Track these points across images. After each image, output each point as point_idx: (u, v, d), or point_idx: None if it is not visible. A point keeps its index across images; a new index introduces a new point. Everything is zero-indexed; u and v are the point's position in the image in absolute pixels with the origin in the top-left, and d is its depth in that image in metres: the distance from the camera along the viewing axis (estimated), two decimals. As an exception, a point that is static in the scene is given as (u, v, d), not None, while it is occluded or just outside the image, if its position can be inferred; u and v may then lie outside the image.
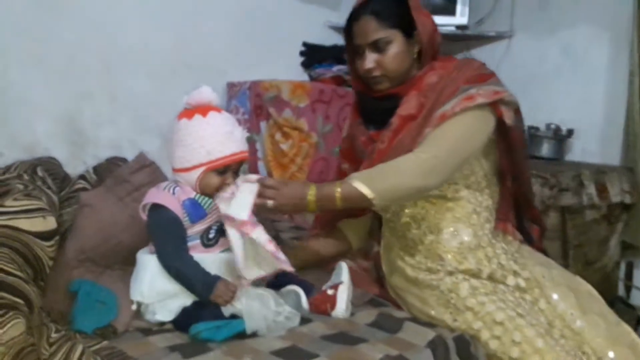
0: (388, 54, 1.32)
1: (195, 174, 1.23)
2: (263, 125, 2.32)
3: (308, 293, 1.29)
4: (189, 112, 1.26)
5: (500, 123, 1.33)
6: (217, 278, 1.20)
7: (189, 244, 1.24)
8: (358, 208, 1.44)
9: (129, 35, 2.21)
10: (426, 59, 1.36)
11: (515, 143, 1.37)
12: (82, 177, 1.48)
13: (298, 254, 1.48)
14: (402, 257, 1.42)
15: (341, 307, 1.28)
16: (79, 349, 0.96)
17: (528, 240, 1.49)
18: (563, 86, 2.53)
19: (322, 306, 1.30)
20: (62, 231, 1.31)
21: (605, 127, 2.40)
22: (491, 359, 1.24)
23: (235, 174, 1.27)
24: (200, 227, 1.25)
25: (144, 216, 1.24)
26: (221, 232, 1.28)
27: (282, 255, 1.18)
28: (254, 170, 2.37)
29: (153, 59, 2.29)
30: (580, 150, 2.48)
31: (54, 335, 0.97)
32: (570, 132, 2.43)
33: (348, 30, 1.37)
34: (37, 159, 1.45)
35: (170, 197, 1.23)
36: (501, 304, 1.26)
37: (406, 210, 1.39)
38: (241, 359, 1.10)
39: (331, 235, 1.57)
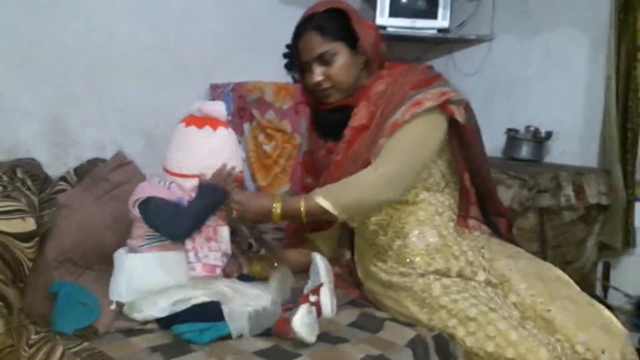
0: (334, 66, 1.35)
1: (191, 182, 1.24)
2: (246, 126, 2.32)
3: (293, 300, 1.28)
4: (198, 120, 1.26)
5: (452, 122, 1.36)
6: (202, 187, 1.21)
7: (168, 241, 1.24)
8: (324, 221, 1.48)
9: (116, 38, 2.21)
10: (372, 68, 1.40)
11: (470, 139, 1.41)
12: (62, 178, 1.46)
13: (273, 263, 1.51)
14: (374, 263, 1.44)
15: (327, 310, 1.27)
16: (59, 351, 0.96)
17: (496, 232, 1.53)
18: (544, 89, 2.57)
19: None
20: (42, 232, 1.30)
21: (584, 130, 2.44)
22: (469, 355, 1.26)
23: None
24: None
25: (135, 212, 1.23)
26: None
27: None
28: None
29: (139, 61, 2.29)
30: (560, 153, 2.52)
31: (33, 336, 0.97)
32: (549, 135, 2.46)
33: (295, 47, 1.41)
34: (17, 160, 1.43)
35: (166, 191, 1.23)
36: (473, 300, 1.28)
37: (372, 219, 1.42)
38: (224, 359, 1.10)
39: (302, 246, 1.60)
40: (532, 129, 2.48)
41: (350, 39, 1.36)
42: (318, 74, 1.36)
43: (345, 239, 1.61)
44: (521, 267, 1.38)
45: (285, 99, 2.25)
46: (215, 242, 1.27)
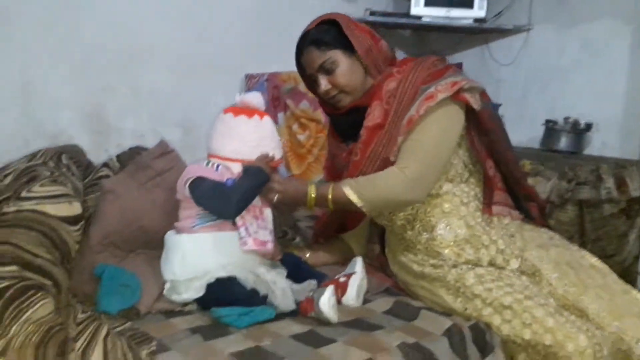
0: (337, 73, 1.38)
1: (240, 166, 1.27)
2: (280, 116, 2.33)
3: (320, 281, 1.30)
4: (245, 110, 1.30)
5: (468, 110, 1.35)
6: (248, 169, 1.26)
7: (221, 221, 1.26)
8: (352, 215, 1.52)
9: (148, 31, 2.25)
10: (371, 69, 1.40)
11: (488, 125, 1.38)
12: (105, 164, 1.50)
13: (308, 261, 1.52)
14: (406, 256, 1.44)
15: (352, 293, 1.29)
16: (104, 329, 0.99)
17: (528, 217, 1.50)
18: (582, 79, 2.50)
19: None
20: (86, 217, 1.33)
21: (625, 121, 2.37)
22: (506, 343, 1.25)
23: None
24: None
25: (185, 191, 1.25)
26: None
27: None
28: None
29: (173, 54, 2.32)
30: (600, 144, 2.45)
31: (80, 315, 1.00)
32: (588, 126, 2.40)
33: (299, 66, 1.46)
34: (62, 147, 1.48)
35: (213, 172, 1.26)
36: (508, 288, 1.27)
37: (400, 214, 1.42)
38: (261, 343, 1.12)
39: (334, 244, 1.62)
40: (571, 120, 2.42)
41: (347, 45, 1.38)
42: (324, 83, 1.39)
43: (375, 235, 1.62)
44: (553, 257, 1.36)
45: (320, 88, 2.25)
46: (262, 221, 1.31)
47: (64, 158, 1.38)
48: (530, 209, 1.51)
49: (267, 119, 1.31)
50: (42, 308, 0.87)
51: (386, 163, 1.34)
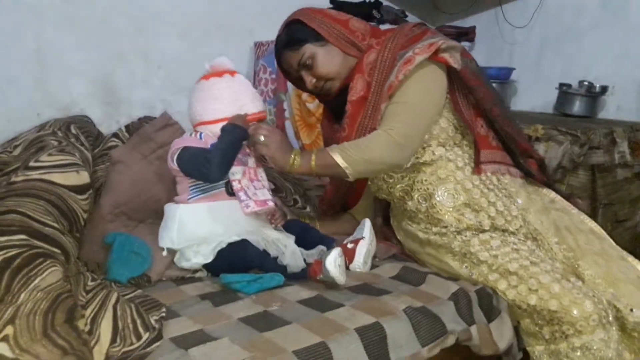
0: (317, 65, 1.37)
1: (214, 128, 1.27)
2: (290, 85, 2.29)
3: (329, 246, 1.30)
4: (216, 73, 1.31)
5: (450, 71, 1.33)
6: (224, 127, 1.26)
7: (213, 192, 1.27)
8: (351, 196, 1.53)
9: (158, -5, 2.21)
10: (349, 49, 1.38)
11: (471, 83, 1.34)
12: (115, 135, 1.50)
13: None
14: (410, 225, 1.43)
15: (359, 260, 1.29)
16: (114, 296, 1.00)
17: (528, 175, 1.47)
18: (599, 41, 2.41)
19: None
20: (97, 187, 1.34)
21: (643, 84, 2.29)
22: (511, 308, 1.25)
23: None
24: None
25: (173, 165, 1.26)
26: None
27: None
28: (281, 129, 2.36)
29: (183, 20, 2.29)
30: (615, 108, 2.38)
31: (90, 283, 1.01)
32: (604, 89, 2.32)
33: (283, 70, 1.46)
34: (71, 117, 1.47)
35: (197, 141, 1.27)
36: (514, 254, 1.26)
37: (397, 186, 1.40)
38: (270, 307, 1.13)
39: (342, 217, 1.62)
40: (585, 83, 2.34)
41: (317, 36, 1.36)
42: (309, 80, 1.39)
43: (379, 209, 1.61)
44: (553, 220, 1.35)
45: (329, 55, 2.20)
46: (258, 181, 1.33)
47: (73, 128, 1.37)
48: (530, 166, 1.48)
49: (238, 75, 1.33)
50: (50, 275, 0.87)
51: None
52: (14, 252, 0.88)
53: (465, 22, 2.88)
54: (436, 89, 1.32)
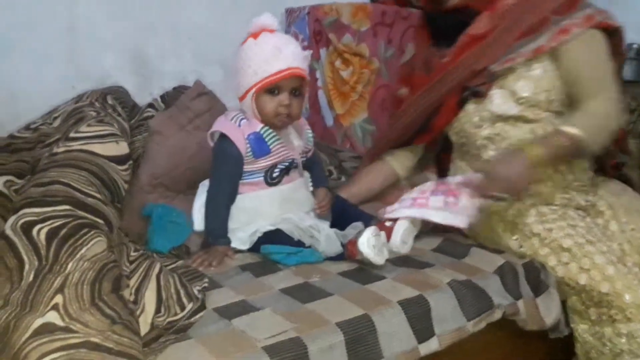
0: None
1: (249, 99, 1.20)
2: (323, 52, 2.25)
3: (367, 223, 1.26)
4: (252, 34, 1.24)
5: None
6: (222, 242, 1.21)
7: (252, 180, 1.24)
8: (421, 134, 1.41)
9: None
10: None
11: (622, 48, 1.31)
12: (150, 105, 1.50)
13: (351, 190, 1.47)
14: None
15: (395, 239, 1.23)
16: (157, 267, 1.00)
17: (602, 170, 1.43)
18: (650, 1, 2.28)
19: None
20: (135, 157, 1.34)
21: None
22: (559, 285, 1.22)
23: (294, 95, 1.22)
24: (264, 163, 1.23)
25: (211, 143, 1.25)
26: (286, 171, 1.27)
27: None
28: (314, 100, 2.33)
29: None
30: (669, 73, 2.26)
31: (133, 253, 1.01)
32: (655, 52, 2.21)
33: None
34: (107, 88, 1.47)
35: (235, 129, 1.21)
36: (570, 230, 1.21)
37: (483, 132, 1.33)
38: (310, 279, 1.12)
39: (376, 166, 1.53)
40: (635, 46, 2.23)
41: None
42: None
43: (428, 160, 1.53)
44: (623, 203, 1.31)
45: (363, 20, 2.14)
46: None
47: (110, 99, 1.38)
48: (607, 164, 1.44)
49: (264, 35, 1.21)
50: (96, 245, 0.88)
51: (470, 75, 1.28)
52: (59, 222, 0.89)
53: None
54: (606, 52, 1.27)
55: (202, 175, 1.31)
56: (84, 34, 2.02)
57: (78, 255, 0.84)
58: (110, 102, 1.36)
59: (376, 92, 2.22)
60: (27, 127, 1.25)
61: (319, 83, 2.30)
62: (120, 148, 1.11)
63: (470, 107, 1.31)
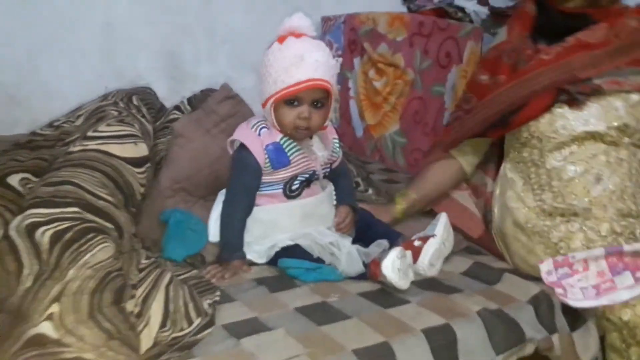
0: None
1: (268, 108, 1.12)
2: (356, 61, 2.17)
3: (393, 241, 1.16)
4: (280, 38, 1.14)
5: None
6: (237, 255, 1.12)
7: (270, 191, 1.16)
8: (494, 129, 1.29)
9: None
10: None
11: None
12: (176, 107, 1.44)
13: (423, 188, 1.38)
14: (520, 198, 1.24)
15: (423, 261, 1.12)
16: (167, 276, 0.93)
17: None
18: None
19: None
20: (157, 160, 1.29)
21: None
22: (598, 319, 1.10)
23: (316, 107, 1.11)
24: (283, 174, 1.14)
25: (230, 150, 1.17)
26: (307, 183, 1.18)
27: None
28: (345, 109, 2.25)
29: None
30: None
31: (144, 261, 0.95)
32: None
33: None
34: (134, 88, 1.42)
35: (254, 138, 1.13)
36: None
37: (558, 139, 1.20)
38: (329, 298, 1.03)
39: (444, 164, 1.40)
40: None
41: None
42: None
43: (491, 164, 1.40)
44: None
45: (400, 30, 2.05)
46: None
47: (135, 99, 1.32)
48: None
49: (289, 40, 1.09)
50: (101, 252, 0.81)
51: (571, 80, 1.18)
52: (65, 224, 0.82)
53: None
54: None
55: (224, 180, 1.23)
56: (120, 34, 2.00)
57: (81, 262, 0.77)
58: (135, 102, 1.31)
59: (409, 104, 2.12)
60: (50, 125, 1.21)
61: (351, 93, 2.22)
62: (139, 150, 1.05)
63: (558, 110, 1.19)
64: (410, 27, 2.05)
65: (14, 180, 0.99)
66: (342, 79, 2.23)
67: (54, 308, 0.73)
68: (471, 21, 2.17)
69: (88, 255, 0.79)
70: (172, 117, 1.38)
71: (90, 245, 0.81)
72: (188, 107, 1.43)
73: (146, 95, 1.41)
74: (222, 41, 2.20)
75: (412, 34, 2.06)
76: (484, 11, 2.34)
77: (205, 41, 2.17)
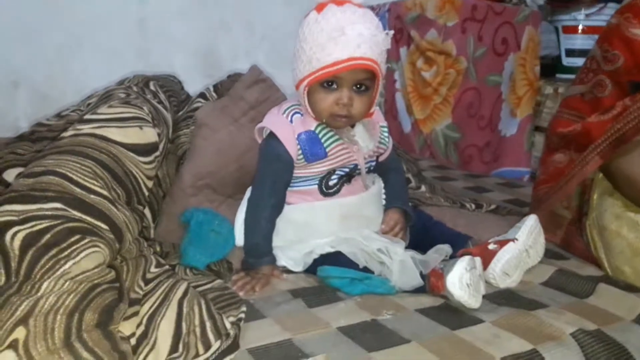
0: None
1: (302, 91, 0.90)
2: (403, 51, 1.93)
3: (460, 246, 0.92)
4: (319, 5, 0.90)
5: None
6: (266, 260, 0.91)
7: (304, 187, 0.94)
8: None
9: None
10: None
11: None
12: (201, 95, 1.24)
13: None
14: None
15: (495, 268, 0.87)
16: (181, 288, 0.72)
17: None
18: None
19: None
20: (179, 154, 1.09)
21: None
22: None
23: (358, 91, 0.89)
24: (319, 168, 0.92)
25: (259, 139, 0.96)
26: (347, 179, 0.95)
27: None
28: (391, 103, 2.01)
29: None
30: None
31: (153, 269, 0.74)
32: None
33: None
34: (154, 75, 1.23)
35: (286, 126, 0.91)
36: None
37: None
38: (380, 315, 0.80)
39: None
40: None
41: None
42: None
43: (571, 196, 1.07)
44: None
45: (450, 14, 1.80)
46: None
47: (152, 85, 1.12)
48: None
49: (329, 9, 0.86)
50: (88, 259, 0.61)
51: None
52: (43, 224, 0.62)
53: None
54: None
55: (254, 176, 1.02)
56: (155, 31, 1.87)
57: (59, 272, 0.57)
58: (152, 87, 1.10)
59: (462, 96, 1.86)
60: (57, 114, 1.03)
61: (398, 85, 1.98)
62: (145, 135, 0.84)
63: None
64: (462, 11, 1.80)
65: (10, 175, 0.81)
66: (387, 70, 1.99)
67: (20, 333, 0.53)
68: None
69: (69, 263, 0.59)
70: (196, 105, 1.17)
71: (74, 250, 0.61)
72: (214, 95, 1.22)
73: (167, 82, 1.21)
74: (262, 37, 2.03)
75: (464, 18, 1.80)
76: (541, -3, 2.07)
77: (243, 37, 2.01)
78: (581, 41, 1.97)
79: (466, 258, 0.82)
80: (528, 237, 0.91)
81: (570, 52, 2.00)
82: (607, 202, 0.98)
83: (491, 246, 0.89)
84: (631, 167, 0.92)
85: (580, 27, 1.96)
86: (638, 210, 0.93)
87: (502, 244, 0.89)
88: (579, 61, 1.74)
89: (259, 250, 0.91)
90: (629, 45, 0.95)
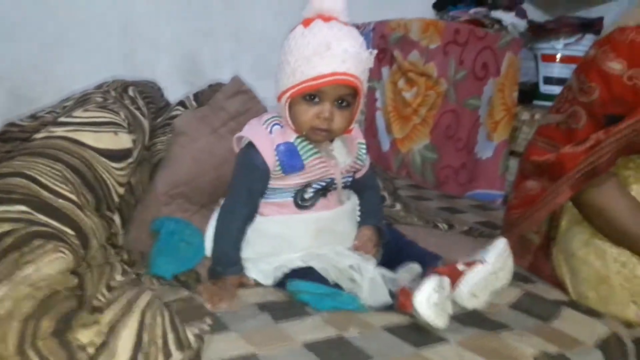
0: None
1: (283, 104, 0.89)
2: (385, 71, 1.95)
3: (430, 265, 0.91)
4: (306, 20, 0.91)
5: None
6: (232, 270, 0.90)
7: (278, 200, 0.93)
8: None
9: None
10: None
11: None
12: (181, 103, 1.23)
13: None
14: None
15: (463, 289, 0.87)
16: (145, 298, 0.71)
17: None
18: None
19: None
20: (154, 162, 1.08)
21: None
22: None
23: (340, 106, 0.89)
24: (295, 180, 0.92)
25: (236, 148, 0.96)
26: (323, 193, 0.95)
27: None
28: (371, 122, 2.02)
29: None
30: None
31: (118, 278, 0.73)
32: None
33: None
34: (134, 80, 1.22)
35: (265, 136, 0.91)
36: None
37: None
38: (346, 332, 0.79)
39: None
40: None
41: None
42: None
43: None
44: None
45: (433, 36, 1.83)
46: None
47: (131, 90, 1.11)
48: None
49: (315, 24, 0.87)
50: (50, 264, 0.59)
51: None
52: (6, 227, 0.61)
53: (590, 13, 2.38)
54: None
55: (230, 187, 1.01)
56: (139, 35, 1.84)
57: (19, 277, 0.56)
58: (131, 93, 1.10)
59: (441, 117, 1.89)
60: (31, 115, 1.01)
61: (378, 104, 1.99)
62: (119, 141, 0.83)
63: None
64: (444, 35, 1.83)
65: (-25, 176, 0.79)
66: (368, 89, 2.01)
67: (-30, 338, 0.51)
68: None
69: (30, 268, 0.57)
70: (174, 113, 1.16)
71: (37, 255, 0.59)
72: (194, 103, 1.22)
73: (147, 89, 1.20)
74: (248, 45, 2.01)
75: (447, 42, 1.84)
76: (522, 24, 2.12)
77: (228, 44, 1.99)
78: (559, 69, 2.02)
79: (435, 278, 0.82)
80: (497, 259, 0.91)
81: (548, 80, 2.05)
82: (575, 229, 0.99)
83: (460, 267, 0.89)
84: (602, 198, 0.94)
85: (558, 56, 2.01)
86: (605, 239, 0.95)
87: (471, 265, 0.89)
88: (556, 89, 1.78)
89: (227, 259, 0.90)
90: (605, 78, 0.96)
